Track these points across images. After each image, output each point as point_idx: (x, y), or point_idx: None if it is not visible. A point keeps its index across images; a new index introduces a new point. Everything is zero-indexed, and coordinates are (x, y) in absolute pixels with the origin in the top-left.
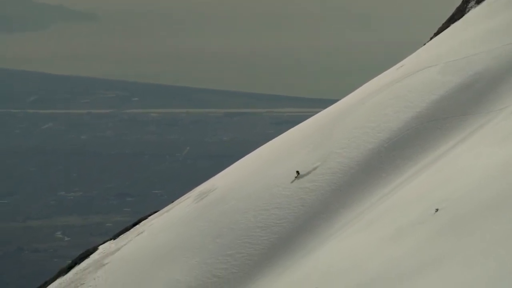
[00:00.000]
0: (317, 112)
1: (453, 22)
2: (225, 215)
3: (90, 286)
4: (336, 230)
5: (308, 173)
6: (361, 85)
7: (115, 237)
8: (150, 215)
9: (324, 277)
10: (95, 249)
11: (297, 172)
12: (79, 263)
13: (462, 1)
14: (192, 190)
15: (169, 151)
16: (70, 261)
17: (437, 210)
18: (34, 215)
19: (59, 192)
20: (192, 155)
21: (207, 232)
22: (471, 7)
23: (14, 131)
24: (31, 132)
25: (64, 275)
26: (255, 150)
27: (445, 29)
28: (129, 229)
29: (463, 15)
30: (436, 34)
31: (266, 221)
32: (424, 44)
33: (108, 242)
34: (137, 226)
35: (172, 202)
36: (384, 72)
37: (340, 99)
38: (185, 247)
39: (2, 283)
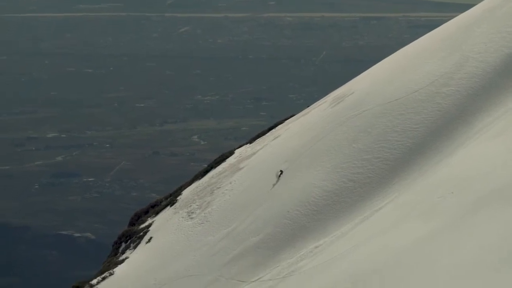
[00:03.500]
0: (453, 17)
1: None
2: (362, 119)
3: (226, 190)
4: (473, 134)
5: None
6: None
7: (251, 141)
8: (286, 119)
9: (460, 182)
10: (231, 153)
11: (281, 171)
12: (215, 167)
13: None
14: (328, 95)
15: (305, 56)
16: (206, 165)
17: None
18: (170, 119)
19: (195, 96)
20: (328, 59)
21: (343, 137)
22: None
23: (151, 35)
24: (168, 36)
25: (200, 178)
26: (391, 55)
27: None
28: (265, 133)
29: None
30: None
31: (402, 126)
32: None
33: (244, 146)
34: (273, 130)
35: (308, 106)
36: None
37: (476, 4)
38: (321, 151)
39: (139, 186)
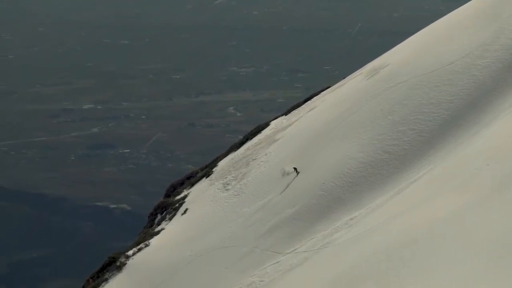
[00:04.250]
0: None
1: None
2: (397, 91)
3: (262, 161)
4: (508, 106)
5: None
6: None
7: (286, 112)
8: (321, 91)
9: (495, 154)
10: (266, 124)
11: (295, 168)
12: (250, 139)
13: None
14: (364, 67)
15: (341, 27)
16: (241, 137)
17: None
18: (206, 90)
19: (231, 67)
20: (363, 31)
21: (378, 109)
22: None
23: (186, 7)
24: (204, 8)
25: (235, 150)
26: (426, 27)
27: None
28: (301, 105)
29: None
30: None
31: (437, 98)
32: None
33: (280, 117)
34: (309, 102)
35: (344, 78)
36: None
37: None
38: (357, 123)
39: (175, 157)
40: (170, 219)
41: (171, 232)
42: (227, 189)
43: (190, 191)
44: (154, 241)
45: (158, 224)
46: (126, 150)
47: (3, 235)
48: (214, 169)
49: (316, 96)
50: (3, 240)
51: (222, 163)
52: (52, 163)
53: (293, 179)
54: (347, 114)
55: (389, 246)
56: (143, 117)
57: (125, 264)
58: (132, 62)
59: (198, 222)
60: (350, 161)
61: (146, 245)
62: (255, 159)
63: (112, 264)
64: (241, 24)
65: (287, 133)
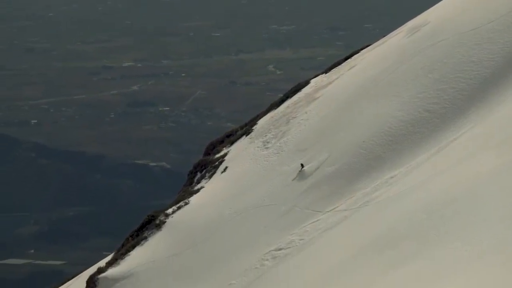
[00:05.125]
0: None
1: None
2: (438, 49)
3: (302, 119)
4: None
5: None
6: None
7: (326, 71)
8: (362, 49)
9: None
10: (306, 82)
11: (302, 165)
12: (290, 97)
13: None
14: (404, 24)
15: None
16: (281, 95)
17: None
18: (246, 48)
19: (271, 25)
20: None
21: (419, 67)
22: None
23: None
24: None
25: (275, 108)
26: None
27: None
28: (341, 63)
29: None
30: None
31: (478, 56)
32: None
33: (320, 75)
34: (349, 60)
35: (384, 36)
36: None
37: None
38: (397, 82)
39: (214, 115)
40: (210, 177)
41: (211, 190)
42: (267, 147)
43: (230, 149)
44: (193, 199)
45: (198, 182)
46: (166, 108)
47: (43, 193)
48: (254, 127)
49: (356, 54)
50: (43, 198)
51: (262, 121)
52: (92, 121)
53: (298, 174)
54: (387, 73)
55: (429, 205)
56: (183, 75)
57: (165, 222)
58: (172, 20)
59: (238, 181)
60: (391, 119)
61: (186, 204)
62: (295, 117)
63: (151, 223)
64: None
65: (327, 91)
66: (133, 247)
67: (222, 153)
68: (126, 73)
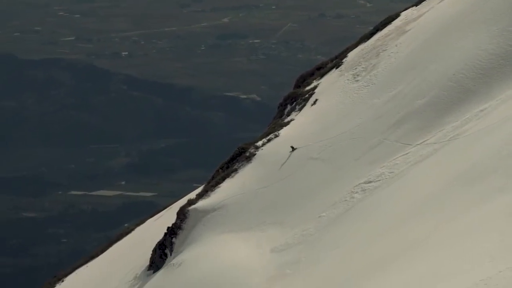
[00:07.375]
0: None
1: None
2: None
3: (392, 52)
4: None
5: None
6: None
7: (417, 3)
8: None
9: None
10: (397, 15)
11: (292, 147)
12: (381, 29)
13: None
14: None
15: None
16: (372, 28)
17: None
18: None
19: None
20: None
21: (508, 0)
22: None
23: None
24: None
25: (366, 41)
26: None
27: None
28: None
29: None
30: None
31: None
32: None
33: (410, 8)
34: None
35: None
36: None
37: None
38: (487, 14)
39: (305, 48)
40: (300, 109)
41: (301, 123)
42: (356, 80)
43: (320, 82)
44: (283, 131)
45: (288, 114)
46: (256, 40)
47: (134, 125)
48: (344, 60)
49: None
50: (134, 130)
51: (352, 54)
52: (182, 53)
53: (288, 157)
54: (477, 6)
55: None
56: (273, 7)
57: (255, 154)
58: None
59: (328, 113)
60: (481, 52)
61: (276, 136)
62: (385, 50)
63: (242, 155)
64: None
65: (417, 24)
66: (223, 179)
67: (312, 85)
68: (217, 5)
